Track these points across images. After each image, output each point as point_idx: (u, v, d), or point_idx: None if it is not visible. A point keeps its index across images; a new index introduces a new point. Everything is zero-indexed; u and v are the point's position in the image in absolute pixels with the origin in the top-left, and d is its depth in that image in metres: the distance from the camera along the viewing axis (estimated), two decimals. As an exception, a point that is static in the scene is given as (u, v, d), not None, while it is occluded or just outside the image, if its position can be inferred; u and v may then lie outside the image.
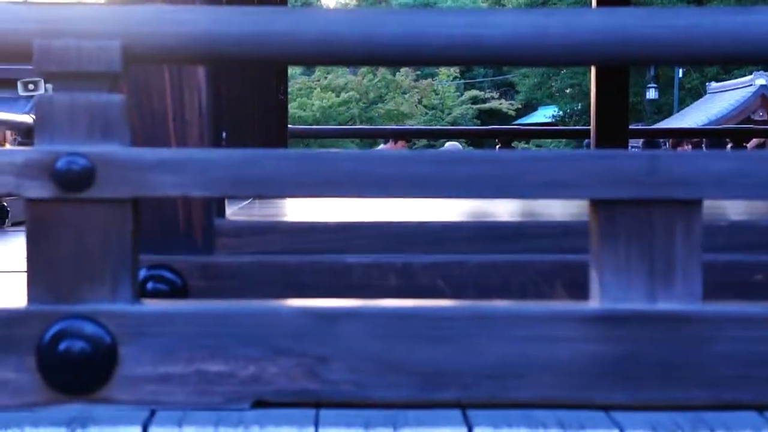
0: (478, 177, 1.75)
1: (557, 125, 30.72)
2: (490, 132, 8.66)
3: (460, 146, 10.19)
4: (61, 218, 1.73)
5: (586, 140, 7.83)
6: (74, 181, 1.71)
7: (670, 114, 26.80)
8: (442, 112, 30.33)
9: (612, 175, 1.73)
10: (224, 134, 2.87)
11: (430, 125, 28.20)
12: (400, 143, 9.81)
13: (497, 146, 7.93)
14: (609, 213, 1.76)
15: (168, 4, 1.81)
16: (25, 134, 6.01)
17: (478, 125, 31.24)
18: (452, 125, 29.50)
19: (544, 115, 33.65)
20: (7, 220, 5.48)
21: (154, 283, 2.42)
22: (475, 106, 30.91)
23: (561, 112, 31.62)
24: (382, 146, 10.56)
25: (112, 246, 1.74)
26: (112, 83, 1.75)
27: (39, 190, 1.72)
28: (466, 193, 1.77)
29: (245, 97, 4.09)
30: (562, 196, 1.77)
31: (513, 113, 32.14)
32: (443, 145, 10.99)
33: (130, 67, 1.77)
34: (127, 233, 1.74)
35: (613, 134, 6.13)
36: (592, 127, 6.29)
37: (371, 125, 25.99)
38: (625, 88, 6.34)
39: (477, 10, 1.72)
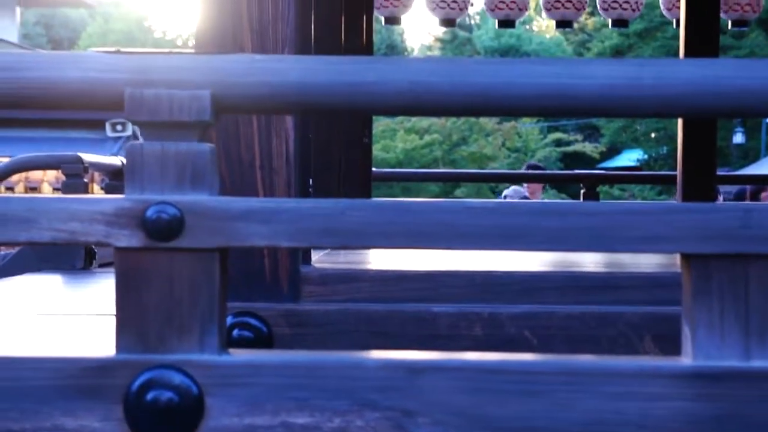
0: (571, 230, 1.72)
1: (642, 169, 30.46)
2: (574, 177, 8.59)
3: (522, 190, 10.10)
4: (149, 267, 1.73)
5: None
6: (163, 230, 1.71)
7: (757, 159, 26.45)
8: (525, 154, 30.22)
9: (706, 230, 1.70)
10: (311, 181, 2.87)
11: (514, 168, 28.13)
12: (536, 186, 9.59)
13: (582, 191, 7.87)
14: (702, 268, 1.72)
15: (257, 54, 1.82)
16: (113, 176, 6.07)
17: (562, 168, 31.12)
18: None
19: (629, 158, 33.39)
20: (94, 261, 5.53)
21: (240, 330, 2.42)
22: (558, 149, 30.76)
23: (646, 156, 31.36)
24: (512, 189, 10.42)
25: (200, 296, 1.74)
26: (202, 132, 1.76)
27: (128, 239, 1.72)
28: (559, 245, 1.75)
29: (331, 141, 4.10)
30: (656, 251, 1.74)
31: (597, 156, 31.93)
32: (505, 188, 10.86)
33: (220, 117, 1.78)
34: (215, 283, 1.74)
35: (700, 180, 6.04)
36: (678, 172, 6.21)
37: (454, 167, 26.00)
38: (713, 134, 6.26)
39: (568, 59, 1.70)
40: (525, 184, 9.88)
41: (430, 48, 38.99)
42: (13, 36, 21.50)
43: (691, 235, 1.70)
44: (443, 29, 36.11)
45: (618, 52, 32.16)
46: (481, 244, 1.75)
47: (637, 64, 1.73)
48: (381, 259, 2.71)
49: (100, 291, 4.82)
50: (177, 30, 44.40)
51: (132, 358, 1.73)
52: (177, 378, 1.72)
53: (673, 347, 2.35)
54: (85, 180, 5.46)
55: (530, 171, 10.22)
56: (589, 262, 2.85)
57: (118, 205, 1.73)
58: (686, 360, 1.75)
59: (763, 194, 9.62)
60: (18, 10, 23.90)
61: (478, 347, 2.40)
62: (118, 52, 1.74)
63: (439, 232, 1.73)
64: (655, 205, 1.73)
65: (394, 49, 38.49)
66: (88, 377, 1.73)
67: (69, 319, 3.63)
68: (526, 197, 9.56)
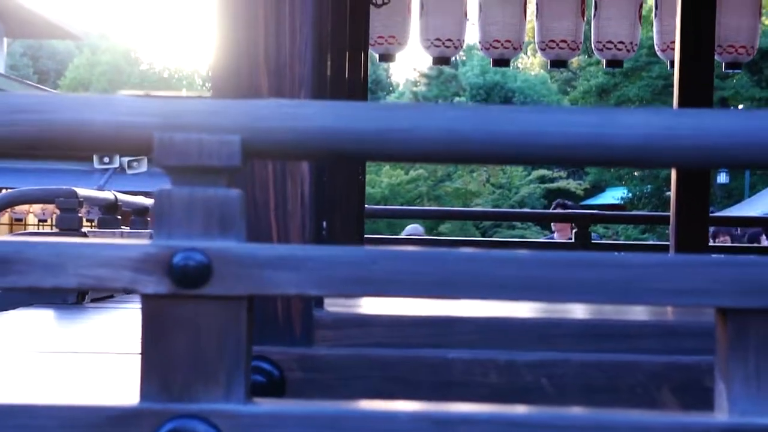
0: (600, 282, 1.69)
1: (626, 207, 30.53)
2: (567, 217, 8.58)
3: (421, 228, 10.06)
4: (176, 315, 1.70)
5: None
6: (190, 277, 1.68)
7: (741, 199, 26.53)
8: (510, 191, 30.27)
9: (743, 283, 1.67)
10: (324, 224, 2.84)
11: (497, 204, 28.16)
12: (567, 227, 9.37)
13: (573, 230, 7.86)
14: (738, 322, 1.69)
15: (273, 93, 1.80)
16: (107, 210, 6.04)
17: (545, 205, 31.16)
18: (519, 204, 29.44)
19: (613, 196, 33.46)
20: (86, 296, 5.49)
21: (252, 374, 2.38)
22: (543, 186, 30.81)
23: (630, 194, 31.43)
24: (411, 227, 10.39)
25: (227, 344, 1.70)
26: (231, 178, 1.73)
27: (155, 285, 1.69)
28: (587, 297, 1.72)
29: (333, 179, 4.07)
30: (690, 304, 1.71)
31: (581, 193, 31.99)
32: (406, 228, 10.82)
33: (248, 162, 1.75)
34: (242, 332, 1.71)
35: (693, 221, 6.03)
36: (672, 213, 6.20)
37: (439, 203, 26.01)
38: (706, 174, 6.27)
39: (604, 108, 1.68)
40: (554, 225, 9.78)
41: (416, 83, 39.07)
42: (0, 67, 21.48)
43: (727, 289, 1.68)
44: (429, 65, 36.25)
45: (604, 91, 32.29)
46: (513, 294, 1.72)
47: (674, 115, 1.72)
48: (395, 304, 2.68)
49: (95, 327, 4.78)
50: (163, 62, 44.42)
51: (156, 407, 1.69)
52: (202, 428, 1.68)
53: (693, 399, 2.33)
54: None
55: (555, 210, 10.09)
56: (605, 309, 2.83)
57: (145, 251, 1.69)
58: (720, 416, 1.72)
59: (761, 238, 9.65)
60: (5, 41, 23.91)
61: (494, 395, 2.37)
62: (147, 95, 1.71)
63: (470, 283, 1.71)
64: (690, 258, 1.70)
65: (380, 84, 38.58)
66: (110, 427, 1.69)
67: (67, 357, 3.58)
68: (421, 235, 9.59)
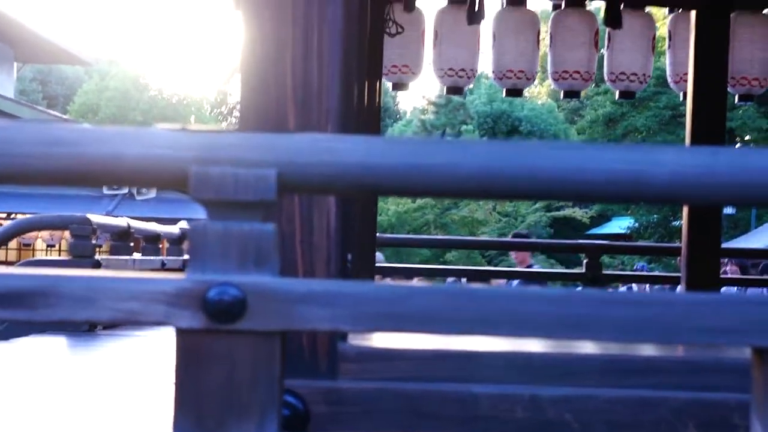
0: (638, 320, 1.68)
1: (631, 237, 30.51)
2: (578, 247, 8.57)
3: (381, 255, 10.04)
4: (210, 350, 1.69)
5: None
6: (225, 312, 1.67)
7: (747, 230, 26.49)
8: (516, 219, 30.25)
9: (780, 323, 1.66)
10: (349, 257, 2.84)
11: (504, 233, 28.15)
12: (524, 254, 9.51)
13: (585, 261, 7.84)
14: (775, 362, 1.68)
15: (319, 133, 1.80)
16: (118, 237, 6.04)
17: (550, 233, 31.15)
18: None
19: (619, 226, 33.45)
20: (98, 324, 5.48)
21: (276, 407, 2.37)
22: (549, 214, 30.80)
23: (636, 224, 31.40)
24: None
25: (260, 379, 1.70)
26: (266, 212, 1.72)
27: (189, 320, 1.68)
28: (625, 336, 1.71)
29: (349, 210, 4.07)
30: (726, 343, 1.71)
31: (587, 221, 31.96)
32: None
33: (284, 196, 1.74)
34: (275, 367, 1.70)
35: (705, 253, 6.02)
36: (683, 244, 6.19)
37: (445, 231, 26.00)
38: (718, 208, 6.26)
39: (640, 146, 1.67)
40: (513, 253, 9.90)
41: (423, 111, 39.11)
42: (9, 91, 21.55)
43: (765, 329, 1.67)
44: (437, 93, 36.35)
45: (611, 120, 32.32)
46: (547, 332, 1.71)
47: (710, 153, 1.71)
48: (419, 338, 2.67)
49: (110, 356, 4.77)
50: (172, 88, 44.53)
51: (190, 442, 1.68)
52: (235, 463, 1.67)
53: (720, 436, 2.31)
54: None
55: (519, 239, 10.20)
56: (630, 344, 2.81)
57: (179, 285, 1.69)
58: (757, 456, 1.71)
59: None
60: (15, 66, 23.99)
61: (519, 430, 2.36)
62: (183, 129, 1.71)
63: (504, 320, 1.70)
64: (726, 297, 1.70)
65: (387, 111, 38.60)
66: (142, 461, 1.69)
67: (88, 387, 3.58)
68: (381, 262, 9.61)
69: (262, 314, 1.68)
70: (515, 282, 9.03)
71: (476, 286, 1.76)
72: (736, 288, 8.54)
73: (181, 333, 1.69)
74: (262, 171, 1.70)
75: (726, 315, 1.68)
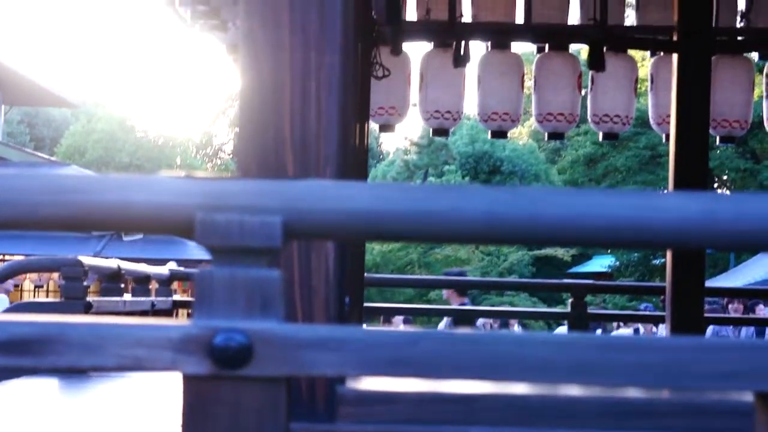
0: (644, 365, 1.69)
1: (612, 275, 30.59)
2: (563, 287, 8.60)
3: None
4: (216, 396, 1.69)
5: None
6: (231, 358, 1.68)
7: (726, 269, 26.59)
8: (498, 258, 30.33)
9: (784, 367, 1.67)
10: (348, 299, 2.84)
11: (486, 271, 28.22)
12: (452, 292, 9.61)
13: (570, 300, 7.87)
14: (779, 405, 1.69)
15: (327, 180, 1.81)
16: (109, 279, 6.03)
17: (533, 272, 31.21)
18: (508, 270, 29.49)
19: (600, 264, 33.54)
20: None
21: (275, 451, 2.37)
22: (530, 253, 30.88)
23: (617, 262, 31.50)
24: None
25: (266, 425, 1.70)
26: (271, 258, 1.73)
27: (196, 366, 1.68)
28: (631, 380, 1.72)
29: (345, 252, 4.09)
30: (730, 388, 1.72)
31: (569, 260, 32.06)
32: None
33: (289, 242, 1.75)
34: (281, 412, 1.70)
35: (688, 293, 6.05)
36: (667, 283, 6.23)
37: (429, 270, 26.02)
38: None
39: (642, 192, 1.69)
40: (444, 291, 10.00)
41: (406, 152, 39.19)
42: (-4, 134, 21.55)
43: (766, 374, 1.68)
44: (419, 133, 36.39)
45: (591, 160, 32.50)
46: (553, 377, 1.72)
47: (712, 199, 1.73)
48: (418, 380, 2.67)
49: (105, 399, 4.75)
50: (158, 130, 44.53)
51: (196, 489, 1.68)
52: None
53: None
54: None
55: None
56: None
57: (185, 331, 1.69)
58: (761, 500, 1.71)
59: (758, 308, 9.69)
60: (2, 108, 24.00)
61: (518, 473, 2.36)
62: (188, 176, 1.72)
63: (511, 365, 1.70)
64: (731, 342, 1.71)
65: (371, 152, 38.63)
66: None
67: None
68: None
69: (269, 360, 1.69)
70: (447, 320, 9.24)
71: (485, 332, 1.77)
72: (717, 327, 8.60)
73: (187, 379, 1.69)
74: (268, 218, 1.71)
75: (728, 359, 1.69)
